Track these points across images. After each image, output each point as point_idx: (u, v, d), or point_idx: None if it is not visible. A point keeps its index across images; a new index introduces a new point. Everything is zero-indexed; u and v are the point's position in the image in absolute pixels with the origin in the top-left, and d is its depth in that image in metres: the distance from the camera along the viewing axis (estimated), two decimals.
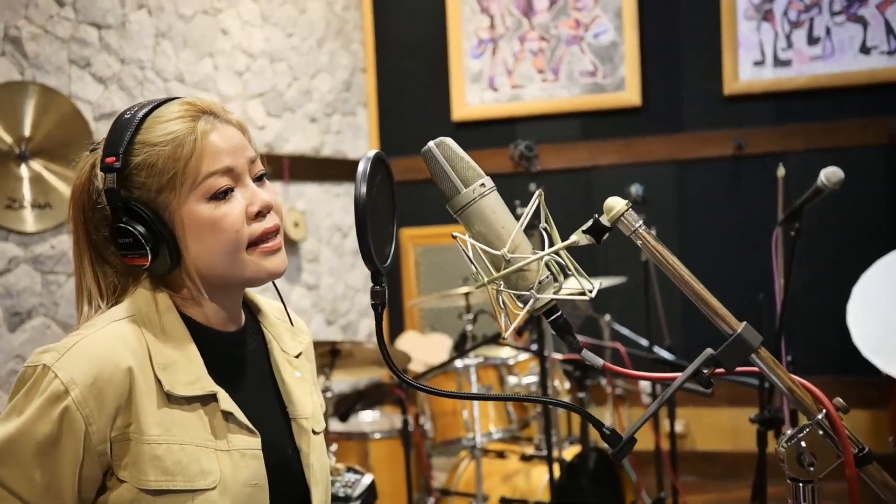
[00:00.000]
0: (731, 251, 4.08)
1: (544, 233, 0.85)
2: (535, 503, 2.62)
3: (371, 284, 0.88)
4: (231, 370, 1.11)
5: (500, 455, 2.86)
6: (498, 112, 4.45)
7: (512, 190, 4.54)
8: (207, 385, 1.05)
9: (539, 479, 2.69)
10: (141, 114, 1.07)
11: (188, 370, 1.04)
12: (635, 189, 2.86)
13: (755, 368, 0.83)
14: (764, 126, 4.12)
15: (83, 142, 2.92)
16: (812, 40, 4.06)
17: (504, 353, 2.85)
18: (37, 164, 2.79)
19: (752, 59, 4.12)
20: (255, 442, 1.07)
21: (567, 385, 2.88)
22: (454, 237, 0.84)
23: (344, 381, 3.07)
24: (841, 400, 0.82)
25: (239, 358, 1.13)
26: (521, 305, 0.86)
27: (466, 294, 2.79)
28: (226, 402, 1.06)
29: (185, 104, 1.08)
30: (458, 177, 0.85)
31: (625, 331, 3.23)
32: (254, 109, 3.85)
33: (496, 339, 2.67)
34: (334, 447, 2.41)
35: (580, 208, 4.34)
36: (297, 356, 1.21)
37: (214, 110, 1.09)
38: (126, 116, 1.08)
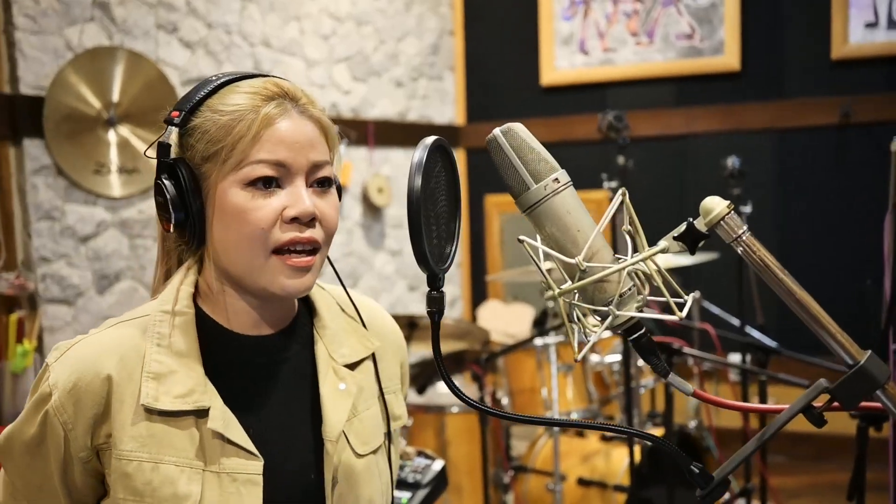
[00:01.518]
0: (834, 230, 3.78)
1: (628, 237, 0.71)
2: (615, 486, 2.49)
3: (427, 288, 0.76)
4: (247, 379, 0.98)
5: (580, 434, 2.73)
6: (589, 76, 4.23)
7: (600, 161, 4.34)
8: (201, 399, 0.93)
9: (619, 460, 2.56)
10: (224, 79, 0.97)
11: (184, 381, 0.93)
12: (732, 161, 2.64)
13: (878, 405, 0.68)
14: (874, 93, 3.77)
15: (171, 107, 2.91)
16: None
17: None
18: (124, 130, 2.78)
19: (863, 20, 3.76)
20: (254, 466, 0.93)
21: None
22: (521, 241, 0.71)
23: (422, 352, 2.99)
24: None
25: (262, 366, 1.00)
26: (597, 319, 0.73)
27: (549, 270, 2.65)
28: (217, 419, 0.93)
29: (268, 82, 0.97)
30: (528, 170, 0.71)
31: (714, 309, 3.03)
32: (339, 74, 3.77)
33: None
34: (410, 421, 2.34)
35: (672, 179, 4.11)
36: (354, 364, 1.05)
37: (297, 98, 0.97)
38: (211, 78, 0.98)
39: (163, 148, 0.95)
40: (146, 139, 2.84)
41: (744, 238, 0.68)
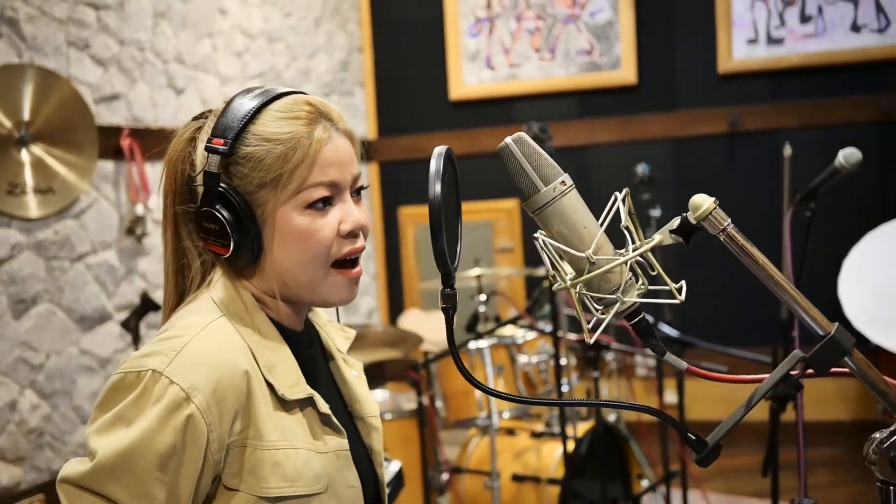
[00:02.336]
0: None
1: (626, 232, 0.78)
2: (548, 479, 2.58)
3: (441, 287, 0.81)
4: (307, 371, 1.05)
5: (511, 432, 2.82)
6: (495, 91, 4.37)
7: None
8: (306, 388, 1.00)
9: (550, 455, 2.66)
10: (258, 101, 0.99)
11: (288, 373, 0.99)
12: (642, 168, 2.81)
13: (846, 370, 0.78)
14: (758, 104, 4.08)
15: (84, 125, 2.82)
16: (804, 18, 4.00)
17: (514, 331, 2.80)
18: (38, 149, 2.68)
19: (745, 38, 4.07)
20: (345, 443, 1.03)
21: (574, 361, 2.84)
22: (535, 238, 0.78)
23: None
24: None
25: (306, 359, 1.07)
26: (597, 308, 0.80)
27: (478, 276, 2.73)
28: (322, 404, 1.01)
29: (305, 103, 1.00)
30: (538, 174, 0.78)
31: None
32: None
33: (513, 321, 2.62)
34: None
35: (578, 187, 4.29)
36: (347, 353, 1.17)
37: (332, 116, 1.01)
38: (242, 101, 1.00)
39: (211, 177, 0.96)
40: (62, 158, 2.75)
41: (728, 230, 0.77)
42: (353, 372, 1.14)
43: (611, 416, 3.04)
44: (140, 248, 3.09)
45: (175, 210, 1.04)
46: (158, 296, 3.10)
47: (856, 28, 3.95)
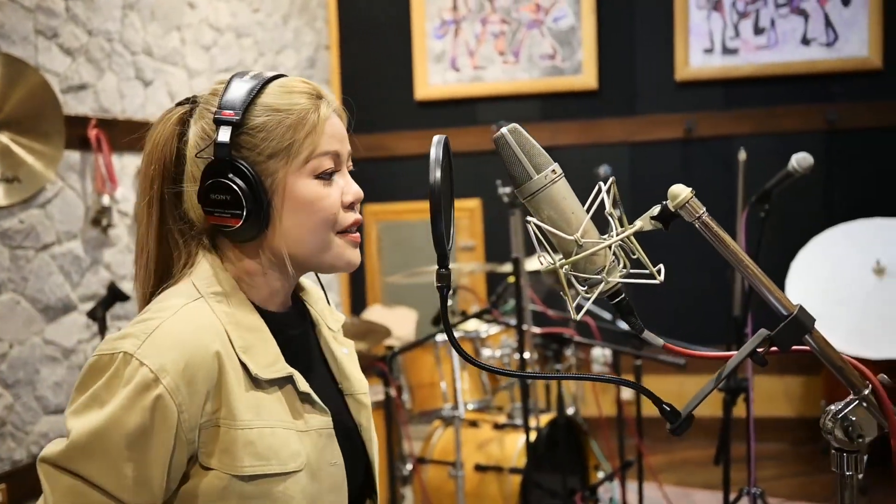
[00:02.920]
0: (685, 230, 4.16)
1: (611, 218, 0.84)
2: (510, 469, 2.65)
3: (437, 267, 0.86)
4: (290, 350, 1.06)
5: (474, 424, 2.87)
6: (460, 92, 4.43)
7: (473, 171, 4.54)
8: (284, 367, 1.01)
9: (512, 446, 2.72)
10: (259, 80, 1.02)
11: (265, 353, 1.00)
12: (604, 170, 2.89)
13: (807, 347, 0.85)
14: (713, 111, 4.21)
15: (52, 115, 2.79)
16: (758, 30, 4.15)
17: (477, 326, 2.86)
18: (4, 137, 2.65)
19: (702, 47, 4.20)
20: (328, 421, 1.04)
21: (535, 356, 2.92)
22: (528, 221, 0.83)
23: None
24: (885, 376, 0.85)
25: (293, 338, 1.09)
26: (583, 288, 0.86)
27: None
28: (302, 383, 1.02)
29: (303, 82, 1.04)
30: (531, 163, 0.84)
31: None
32: None
33: (479, 315, 2.68)
34: None
35: None
36: (337, 333, 1.19)
37: (327, 96, 1.06)
38: (245, 77, 1.02)
39: (222, 147, 0.98)
40: (29, 147, 2.73)
41: (703, 217, 0.84)
42: (343, 350, 1.15)
43: (570, 409, 3.12)
44: (105, 239, 3.07)
45: (163, 193, 1.04)
46: (126, 286, 3.09)
47: (806, 41, 4.11)
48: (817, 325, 2.93)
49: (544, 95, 4.36)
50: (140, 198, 1.06)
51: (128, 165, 3.18)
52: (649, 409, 4.40)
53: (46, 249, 2.83)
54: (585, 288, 0.85)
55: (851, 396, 0.86)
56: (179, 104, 1.09)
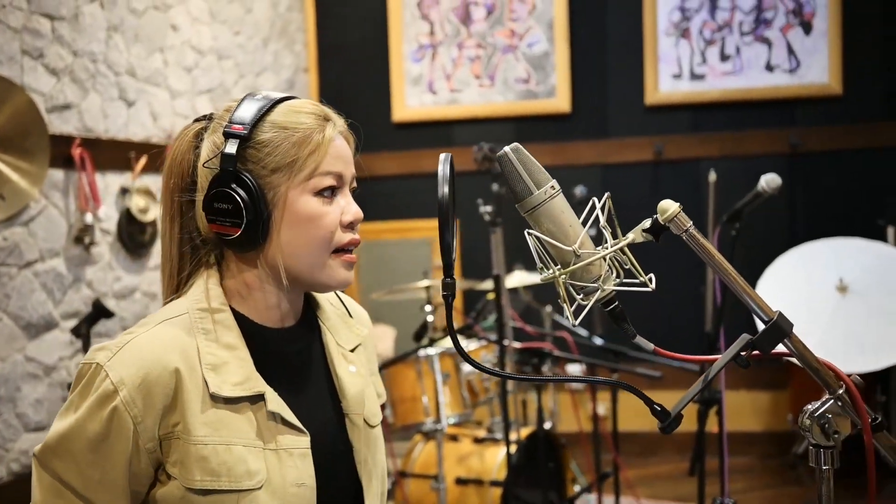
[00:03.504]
0: (656, 250, 4.26)
1: (605, 231, 0.90)
2: (490, 482, 2.69)
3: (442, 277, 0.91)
4: (282, 367, 1.08)
5: (454, 438, 2.91)
6: (436, 114, 4.50)
7: (461, 188, 4.63)
8: (256, 385, 1.02)
9: (492, 459, 2.76)
10: (273, 98, 1.06)
11: (238, 370, 1.02)
12: (580, 190, 2.97)
13: (786, 351, 0.91)
14: (681, 134, 4.33)
15: (37, 133, 2.80)
16: (724, 57, 4.28)
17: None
18: None
19: (670, 73, 4.32)
20: (304, 441, 1.04)
21: (514, 371, 2.97)
22: (528, 234, 0.89)
23: None
24: (858, 377, 0.91)
25: (291, 355, 1.10)
26: (578, 295, 0.91)
27: (427, 287, 2.83)
28: (273, 402, 1.03)
29: (313, 104, 1.08)
30: (532, 179, 0.90)
31: (564, 321, 3.34)
32: (202, 105, 3.77)
33: (461, 331, 2.73)
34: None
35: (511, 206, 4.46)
36: (353, 349, 1.17)
37: (335, 120, 1.09)
38: (257, 96, 1.06)
39: (228, 158, 1.01)
40: (13, 165, 2.73)
41: (690, 230, 0.90)
42: (350, 368, 1.14)
43: (547, 424, 3.18)
44: (88, 257, 3.08)
45: (180, 202, 1.08)
46: (108, 303, 3.09)
47: (770, 68, 4.25)
48: (783, 342, 3.00)
49: (518, 118, 4.45)
50: (163, 212, 1.09)
51: (111, 184, 3.20)
52: (624, 425, 4.46)
53: (29, 267, 2.82)
54: (582, 295, 0.91)
55: (827, 396, 0.92)
56: (197, 120, 1.12)
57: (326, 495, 1.05)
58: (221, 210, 1.02)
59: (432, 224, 4.47)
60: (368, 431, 1.14)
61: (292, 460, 1.02)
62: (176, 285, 1.09)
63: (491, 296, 2.66)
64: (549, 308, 3.31)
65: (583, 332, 3.18)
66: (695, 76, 4.30)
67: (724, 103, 4.28)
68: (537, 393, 2.58)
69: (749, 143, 4.28)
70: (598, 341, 3.10)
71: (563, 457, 3.00)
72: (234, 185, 1.01)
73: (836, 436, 0.90)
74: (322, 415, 1.10)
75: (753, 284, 3.98)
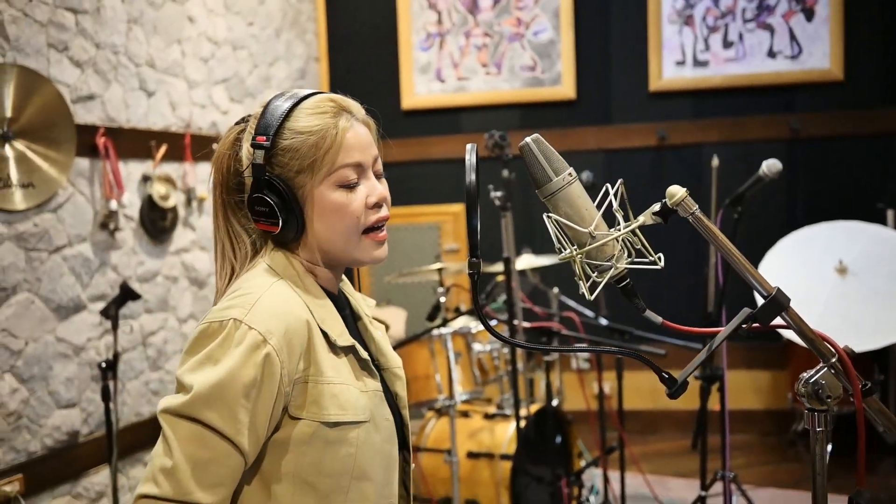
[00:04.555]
0: (659, 233, 4.32)
1: (618, 214, 0.98)
2: (500, 455, 2.77)
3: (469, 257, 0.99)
4: (345, 326, 1.21)
5: (465, 415, 3.00)
6: (444, 102, 4.56)
7: (456, 178, 4.67)
8: (349, 338, 1.16)
9: (502, 434, 2.85)
10: (290, 103, 1.15)
11: (335, 325, 1.15)
12: (586, 176, 3.04)
13: (784, 323, 0.99)
14: (684, 120, 4.38)
15: (63, 123, 2.88)
16: (727, 44, 4.33)
17: (466, 322, 2.98)
18: (20, 145, 2.74)
19: (674, 60, 4.37)
20: (379, 385, 1.19)
21: (521, 350, 3.05)
22: (547, 217, 0.96)
23: None
24: (850, 346, 0.99)
25: (347, 316, 1.24)
26: (593, 273, 0.99)
27: (439, 270, 2.91)
28: (362, 351, 1.17)
29: (329, 100, 1.16)
30: (551, 167, 0.97)
31: (571, 302, 3.42)
32: (218, 95, 3.84)
33: (471, 312, 2.81)
34: None
35: (522, 192, 4.52)
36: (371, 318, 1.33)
37: (352, 109, 1.18)
38: (277, 103, 1.15)
39: (258, 168, 1.12)
40: (43, 154, 2.81)
41: (696, 213, 0.97)
42: (378, 332, 1.30)
43: (554, 402, 3.26)
44: (113, 242, 3.16)
45: (224, 199, 1.20)
46: (133, 286, 3.17)
47: (772, 54, 4.30)
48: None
49: (524, 105, 4.51)
50: (213, 205, 1.22)
51: (133, 172, 3.27)
52: (627, 403, 4.52)
53: (58, 251, 2.91)
54: (596, 273, 0.98)
55: (821, 364, 0.99)
56: (237, 123, 1.23)
57: (398, 430, 1.23)
58: (261, 212, 1.14)
59: (441, 209, 4.54)
60: (403, 382, 1.30)
61: (377, 399, 1.17)
62: (230, 266, 1.20)
63: (501, 278, 2.73)
64: (556, 289, 3.39)
65: (589, 312, 3.26)
66: (698, 63, 4.35)
67: (726, 89, 4.33)
68: (546, 371, 2.66)
69: (750, 129, 4.33)
70: (604, 321, 3.18)
71: (570, 433, 3.09)
72: (266, 191, 1.12)
73: (828, 399, 0.97)
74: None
75: (754, 267, 4.05)
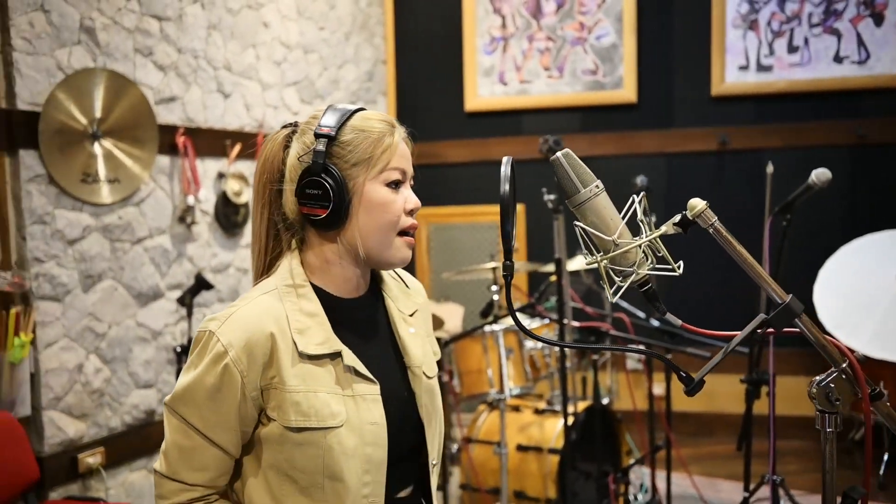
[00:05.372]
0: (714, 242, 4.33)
1: (642, 224, 1.05)
2: (549, 449, 2.85)
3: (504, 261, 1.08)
4: (354, 329, 1.28)
5: (516, 409, 3.08)
6: (507, 104, 4.64)
7: (529, 176, 4.76)
8: (334, 345, 1.22)
9: (551, 429, 2.92)
10: (351, 109, 1.27)
11: (318, 333, 1.22)
12: (641, 180, 3.07)
13: (797, 329, 1.04)
14: (746, 125, 4.36)
15: (147, 123, 3.08)
16: (792, 49, 4.28)
17: (520, 320, 3.06)
18: (107, 143, 2.94)
19: (737, 64, 4.34)
20: (374, 389, 1.24)
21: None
22: (576, 225, 1.05)
23: None
24: (860, 352, 1.04)
25: (362, 319, 1.30)
26: (618, 278, 1.07)
27: (494, 268, 3.00)
28: (348, 357, 1.23)
29: (384, 115, 1.29)
30: (579, 180, 1.05)
31: (623, 303, 3.46)
32: (289, 96, 4.01)
33: (523, 309, 2.89)
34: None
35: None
36: (411, 314, 1.38)
37: (399, 129, 1.30)
38: (339, 106, 1.28)
39: (319, 153, 1.23)
40: (128, 152, 3.01)
41: (715, 224, 1.04)
42: (409, 329, 1.35)
43: (605, 400, 3.31)
44: (189, 235, 3.35)
45: (271, 197, 1.28)
46: (208, 276, 3.36)
47: (838, 59, 4.23)
48: (841, 329, 3.09)
49: (585, 108, 4.55)
50: (255, 202, 1.30)
51: (209, 169, 3.46)
52: (680, 405, 4.53)
53: (140, 243, 3.11)
54: (621, 278, 1.06)
55: (832, 369, 1.05)
56: (284, 127, 1.32)
57: (396, 432, 1.26)
58: (312, 195, 1.22)
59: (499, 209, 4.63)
60: (427, 381, 1.34)
61: (366, 404, 1.23)
62: (265, 263, 1.30)
63: (553, 278, 2.80)
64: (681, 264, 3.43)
65: (640, 313, 3.29)
66: (762, 67, 4.31)
67: (789, 94, 4.28)
68: (594, 370, 2.72)
69: (814, 134, 4.28)
70: (655, 323, 3.21)
71: (619, 430, 3.13)
72: (323, 175, 1.22)
73: (837, 402, 1.03)
74: (388, 368, 1.30)
75: (814, 273, 4.01)
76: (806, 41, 4.26)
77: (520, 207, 4.64)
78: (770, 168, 2.74)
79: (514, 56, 4.62)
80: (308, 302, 1.24)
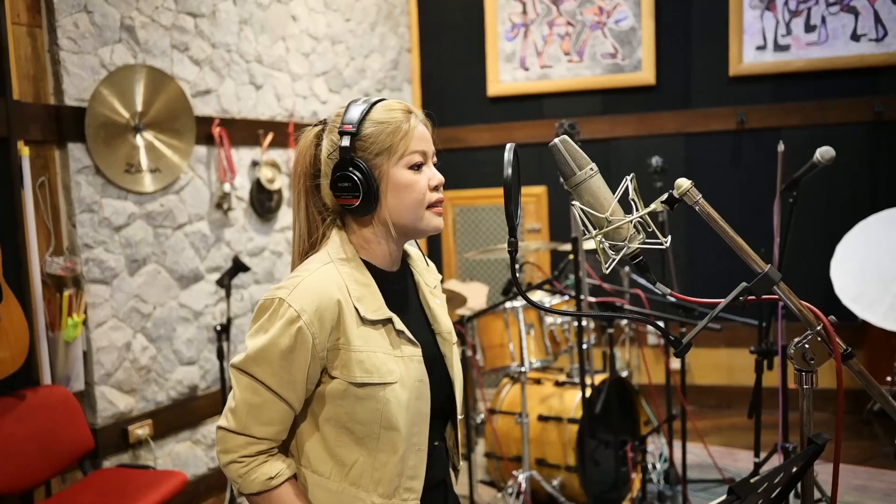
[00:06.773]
0: (732, 214, 4.38)
1: (633, 203, 1.15)
2: (569, 419, 2.95)
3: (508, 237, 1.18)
4: (396, 300, 1.41)
5: (537, 382, 3.19)
6: (528, 89, 4.71)
7: (536, 161, 4.81)
8: (386, 312, 1.36)
9: (571, 400, 3.03)
10: (369, 103, 1.38)
11: (373, 301, 1.35)
12: (656, 160, 3.14)
13: (776, 296, 1.14)
14: (763, 104, 4.38)
15: (184, 116, 3.22)
16: (809, 28, 4.29)
17: (541, 297, 3.16)
18: (149, 135, 3.08)
19: (754, 44, 4.36)
20: (418, 351, 1.37)
21: (592, 324, 3.20)
22: (572, 204, 1.14)
23: None
24: (834, 317, 1.13)
25: (400, 291, 1.44)
26: (612, 252, 1.17)
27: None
28: (398, 323, 1.35)
29: (398, 103, 1.40)
30: (575, 164, 1.15)
31: (641, 280, 3.54)
32: (318, 86, 4.13)
33: (541, 285, 2.99)
34: None
35: (601, 173, 4.63)
36: (434, 287, 1.52)
37: (416, 111, 1.40)
38: (359, 102, 1.39)
39: (345, 149, 1.35)
40: (168, 143, 3.15)
41: (700, 201, 1.13)
42: (436, 300, 1.50)
43: (623, 373, 3.41)
44: (226, 220, 3.50)
45: (307, 187, 1.42)
46: (245, 259, 3.51)
47: (856, 37, 4.23)
48: (857, 303, 3.14)
49: (605, 91, 4.60)
50: (294, 192, 1.44)
51: (244, 158, 3.60)
52: (699, 378, 4.59)
53: (181, 228, 3.26)
54: (614, 252, 1.16)
55: (808, 331, 1.14)
56: (315, 125, 1.45)
57: (434, 389, 1.41)
58: (344, 188, 1.35)
59: (524, 191, 4.71)
60: (452, 345, 1.49)
61: (413, 363, 1.37)
62: (308, 244, 1.43)
63: (571, 257, 2.89)
64: (626, 268, 3.52)
65: (660, 290, 3.37)
66: (779, 47, 4.33)
67: (808, 73, 4.30)
68: (609, 343, 2.82)
69: (832, 112, 4.29)
70: (671, 299, 3.29)
71: (636, 401, 3.23)
72: (351, 169, 1.34)
73: (812, 362, 1.12)
74: (423, 333, 1.45)
75: (832, 247, 4.04)
76: (823, 20, 4.26)
77: (541, 189, 4.72)
78: (781, 147, 2.79)
79: (534, 41, 4.69)
80: (361, 274, 1.37)
